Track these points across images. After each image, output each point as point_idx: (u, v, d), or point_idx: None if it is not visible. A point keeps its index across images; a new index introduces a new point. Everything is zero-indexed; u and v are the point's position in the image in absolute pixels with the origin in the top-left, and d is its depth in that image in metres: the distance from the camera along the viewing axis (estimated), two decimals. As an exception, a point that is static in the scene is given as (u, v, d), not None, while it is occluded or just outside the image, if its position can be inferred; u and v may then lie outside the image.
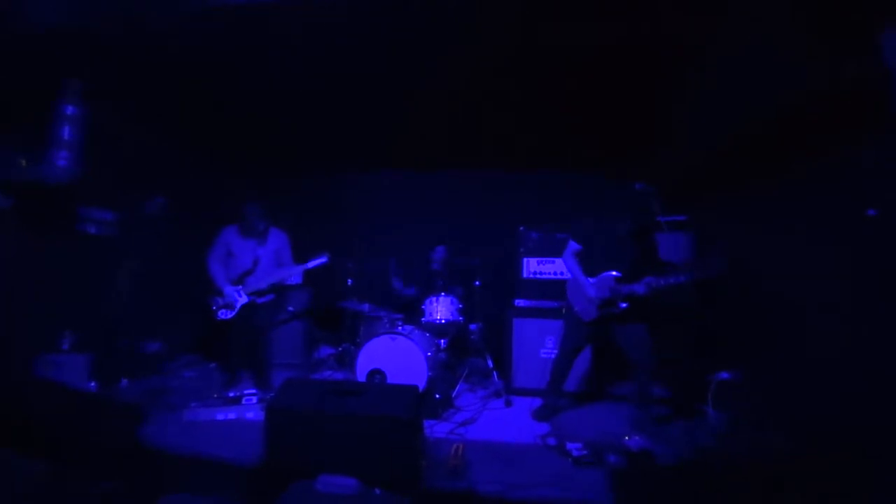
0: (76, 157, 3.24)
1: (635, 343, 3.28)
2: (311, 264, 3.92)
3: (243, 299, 3.83)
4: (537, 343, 4.18)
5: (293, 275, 3.93)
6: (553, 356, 3.71)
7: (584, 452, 2.79)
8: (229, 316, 3.83)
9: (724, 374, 3.35)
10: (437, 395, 3.73)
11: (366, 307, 4.70)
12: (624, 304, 3.23)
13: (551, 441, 3.04)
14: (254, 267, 3.89)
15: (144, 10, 2.53)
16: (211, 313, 3.84)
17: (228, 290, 3.83)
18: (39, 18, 2.59)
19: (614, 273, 3.27)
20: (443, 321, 4.33)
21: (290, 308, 5.10)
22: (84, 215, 3.95)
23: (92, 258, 4.01)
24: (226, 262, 3.92)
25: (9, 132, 3.22)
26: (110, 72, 3.14)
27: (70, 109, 3.18)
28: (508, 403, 3.88)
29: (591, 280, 3.32)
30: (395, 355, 3.79)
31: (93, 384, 3.68)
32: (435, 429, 3.28)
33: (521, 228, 4.52)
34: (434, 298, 4.41)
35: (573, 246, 3.44)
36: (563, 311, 3.76)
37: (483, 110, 3.78)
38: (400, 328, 3.99)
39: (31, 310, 3.46)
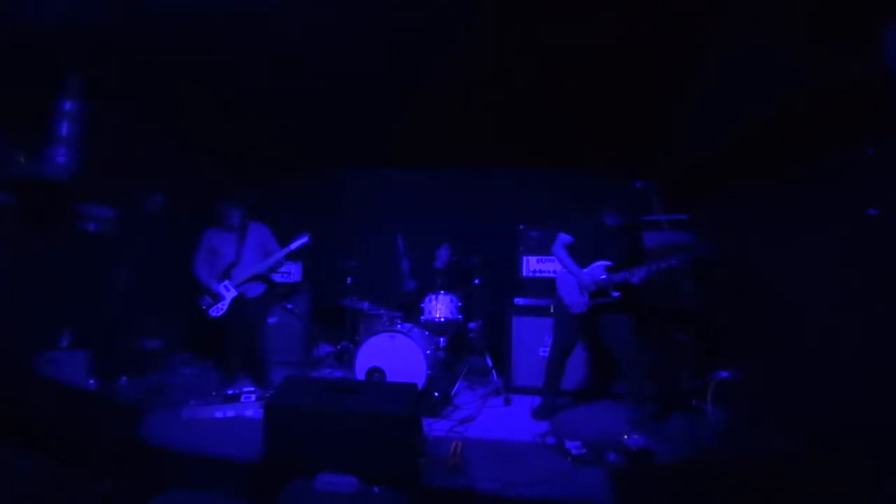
0: (75, 154, 3.23)
1: (620, 337, 3.32)
2: (293, 246, 3.89)
3: (232, 293, 3.83)
4: (537, 341, 4.18)
5: (278, 259, 3.91)
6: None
7: (584, 451, 2.79)
8: (221, 312, 3.81)
9: (724, 373, 3.36)
10: (436, 394, 3.74)
11: (365, 305, 4.69)
12: (616, 293, 3.26)
13: (550, 439, 3.05)
14: (237, 259, 3.89)
15: (144, 8, 2.52)
16: (203, 313, 3.83)
17: (215, 285, 3.83)
18: (39, 15, 2.57)
19: (606, 263, 3.32)
20: (442, 319, 4.33)
21: (289, 305, 5.10)
22: (83, 212, 3.94)
23: (91, 255, 4.00)
24: (211, 260, 3.92)
25: (8, 129, 3.21)
26: (110, 69, 3.13)
27: (69, 105, 3.16)
28: (508, 402, 3.89)
29: (584, 270, 3.37)
30: (394, 353, 3.80)
31: (92, 381, 3.67)
32: (434, 427, 3.28)
33: (521, 227, 4.52)
34: (433, 296, 4.41)
35: (563, 238, 3.47)
36: (552, 308, 3.78)
37: (483, 109, 3.78)
38: (399, 326, 3.99)
39: (30, 307, 3.45)
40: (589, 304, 3.34)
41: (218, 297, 3.81)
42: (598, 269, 3.33)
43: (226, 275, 3.86)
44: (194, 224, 4.06)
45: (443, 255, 4.92)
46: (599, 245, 3.37)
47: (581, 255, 3.41)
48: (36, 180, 3.23)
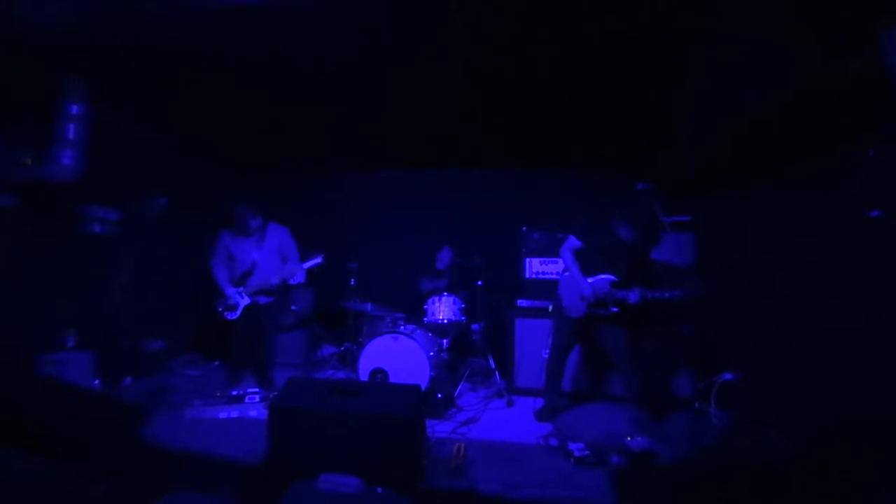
0: (80, 156, 3.25)
1: (616, 347, 3.38)
2: (307, 265, 3.92)
3: (245, 301, 3.85)
4: (539, 343, 4.16)
5: (294, 274, 3.92)
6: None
7: (586, 453, 2.79)
8: (234, 316, 3.85)
9: (728, 375, 3.36)
10: (440, 395, 3.74)
11: (368, 307, 4.70)
12: (614, 309, 3.29)
13: (553, 441, 3.05)
14: (252, 267, 3.90)
15: (149, 10, 2.54)
16: (217, 314, 3.86)
17: (230, 291, 3.85)
18: (43, 17, 2.59)
19: (611, 277, 3.33)
20: (445, 321, 4.34)
21: (294, 307, 5.11)
22: (88, 214, 3.96)
23: (95, 257, 4.03)
24: (229, 265, 3.94)
25: (13, 131, 3.24)
26: (114, 71, 3.14)
27: (74, 108, 3.18)
28: (510, 403, 3.89)
29: (588, 279, 3.36)
30: (397, 355, 3.80)
31: (97, 382, 3.70)
32: (437, 428, 3.28)
33: (524, 228, 4.52)
34: (437, 298, 4.42)
35: (573, 242, 3.47)
36: (550, 309, 3.79)
37: (484, 111, 3.78)
38: (402, 327, 4.00)
39: (35, 308, 3.47)
40: (586, 312, 3.37)
41: (233, 305, 3.83)
42: (602, 282, 3.34)
43: (241, 282, 3.88)
44: (197, 226, 4.08)
45: (444, 256, 4.93)
46: (607, 255, 3.38)
47: (587, 262, 3.42)
48: (42, 183, 3.25)
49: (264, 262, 3.90)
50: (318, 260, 3.93)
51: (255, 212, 3.88)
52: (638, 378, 3.38)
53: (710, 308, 3.62)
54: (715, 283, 3.17)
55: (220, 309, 3.86)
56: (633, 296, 3.21)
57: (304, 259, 3.95)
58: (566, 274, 3.53)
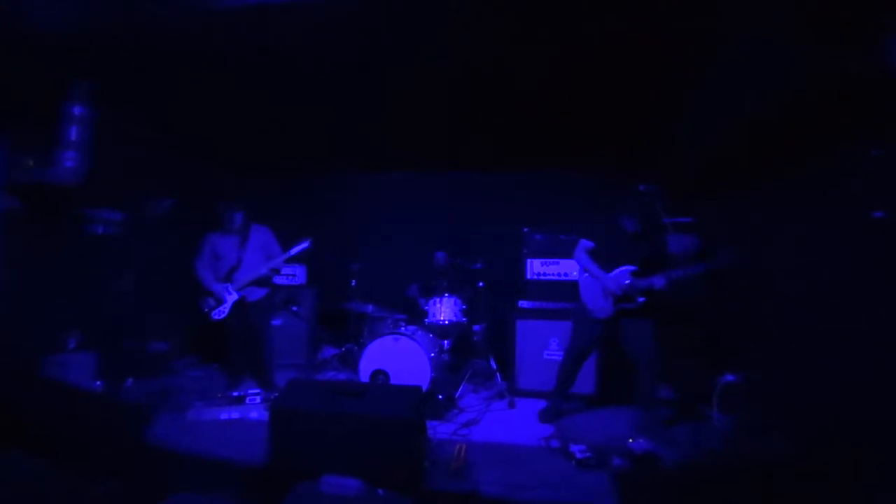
0: (83, 158, 3.26)
1: (641, 341, 3.29)
2: (295, 250, 3.91)
3: (233, 296, 3.84)
4: (541, 344, 4.16)
5: (279, 264, 3.92)
6: (558, 358, 3.72)
7: (588, 455, 2.78)
8: (222, 315, 3.84)
9: (730, 377, 3.33)
10: (441, 396, 3.73)
11: (370, 308, 4.70)
12: (641, 299, 3.25)
13: (555, 443, 3.04)
14: (238, 263, 3.90)
15: (149, 10, 2.54)
16: (205, 315, 3.86)
17: (216, 288, 3.84)
18: (47, 19, 2.61)
19: (631, 268, 3.29)
20: (446, 322, 4.33)
21: (294, 308, 5.11)
22: (91, 216, 3.98)
23: (98, 258, 4.04)
24: (213, 265, 3.94)
25: (17, 133, 3.25)
26: (116, 72, 3.16)
27: (77, 110, 3.20)
28: (512, 405, 3.88)
29: (609, 275, 3.33)
30: (398, 356, 3.80)
31: (99, 383, 3.71)
32: (438, 430, 3.27)
33: (525, 229, 4.51)
34: (437, 299, 4.41)
35: (585, 243, 3.45)
36: (572, 313, 3.75)
37: (487, 112, 3.78)
38: (403, 329, 3.99)
39: (38, 309, 3.48)
40: (613, 310, 3.31)
41: (219, 301, 3.83)
42: (623, 274, 3.30)
43: (227, 278, 3.88)
44: (200, 227, 4.09)
45: (439, 260, 4.91)
46: (620, 250, 3.35)
47: (603, 260, 3.38)
48: (45, 185, 3.27)
49: (249, 258, 3.91)
50: (305, 245, 3.91)
51: (236, 208, 3.89)
52: (655, 376, 3.31)
53: (714, 309, 3.61)
54: (738, 251, 3.10)
55: (207, 309, 3.85)
56: (659, 280, 3.16)
57: (290, 246, 3.94)
58: (585, 275, 3.47)
